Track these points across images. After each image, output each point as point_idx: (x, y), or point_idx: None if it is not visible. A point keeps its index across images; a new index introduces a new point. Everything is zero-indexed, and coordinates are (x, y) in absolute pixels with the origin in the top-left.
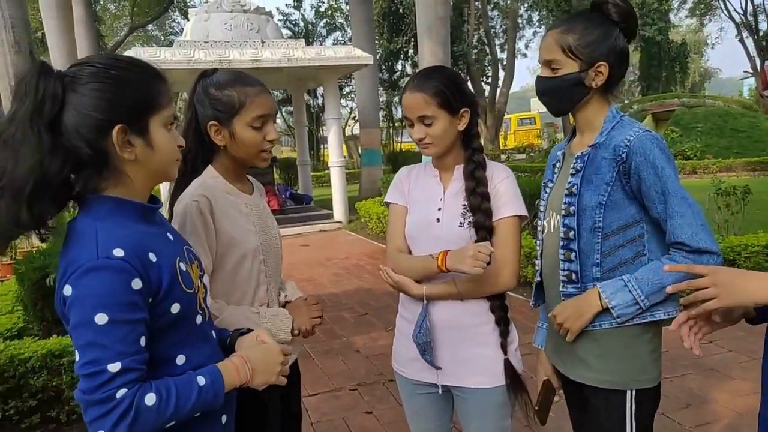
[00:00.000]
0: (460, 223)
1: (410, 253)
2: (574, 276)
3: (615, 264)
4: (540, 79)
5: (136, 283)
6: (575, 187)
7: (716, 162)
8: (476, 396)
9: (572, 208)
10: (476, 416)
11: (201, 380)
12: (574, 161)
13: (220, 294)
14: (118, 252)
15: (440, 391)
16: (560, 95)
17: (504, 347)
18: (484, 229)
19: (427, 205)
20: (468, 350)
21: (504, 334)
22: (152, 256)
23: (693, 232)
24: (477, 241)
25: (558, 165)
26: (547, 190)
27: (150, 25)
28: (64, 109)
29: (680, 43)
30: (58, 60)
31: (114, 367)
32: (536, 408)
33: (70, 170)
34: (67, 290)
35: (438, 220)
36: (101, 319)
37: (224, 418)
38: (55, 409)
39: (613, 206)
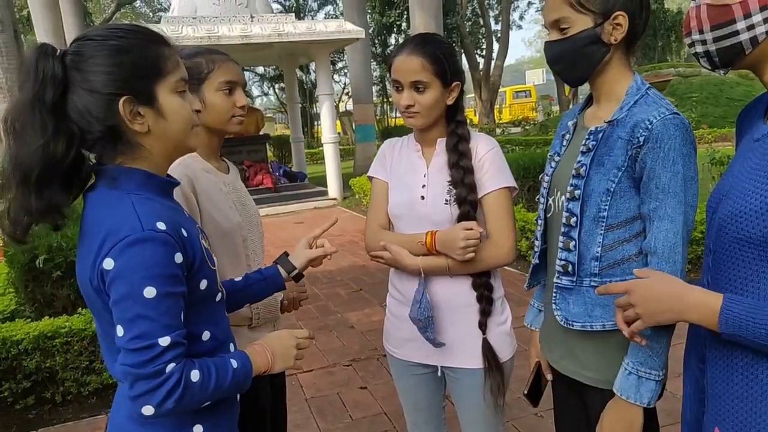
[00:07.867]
0: (446, 200)
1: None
2: (570, 267)
3: (617, 260)
4: (549, 45)
5: (178, 257)
6: (584, 168)
7: (711, 132)
8: (467, 376)
9: (577, 192)
10: (468, 396)
11: (233, 362)
12: (587, 137)
13: None
14: (161, 225)
15: (439, 372)
16: (576, 59)
17: (483, 326)
18: (466, 203)
19: (411, 182)
20: (458, 330)
21: (485, 313)
22: (184, 232)
23: (673, 244)
24: (459, 216)
25: (567, 137)
26: (553, 164)
27: (138, 1)
28: (69, 90)
29: (676, 12)
30: (44, 38)
31: (164, 341)
32: (525, 392)
33: (78, 151)
34: (109, 264)
35: (422, 197)
36: (150, 292)
37: (238, 397)
38: (50, 390)
39: (621, 195)
